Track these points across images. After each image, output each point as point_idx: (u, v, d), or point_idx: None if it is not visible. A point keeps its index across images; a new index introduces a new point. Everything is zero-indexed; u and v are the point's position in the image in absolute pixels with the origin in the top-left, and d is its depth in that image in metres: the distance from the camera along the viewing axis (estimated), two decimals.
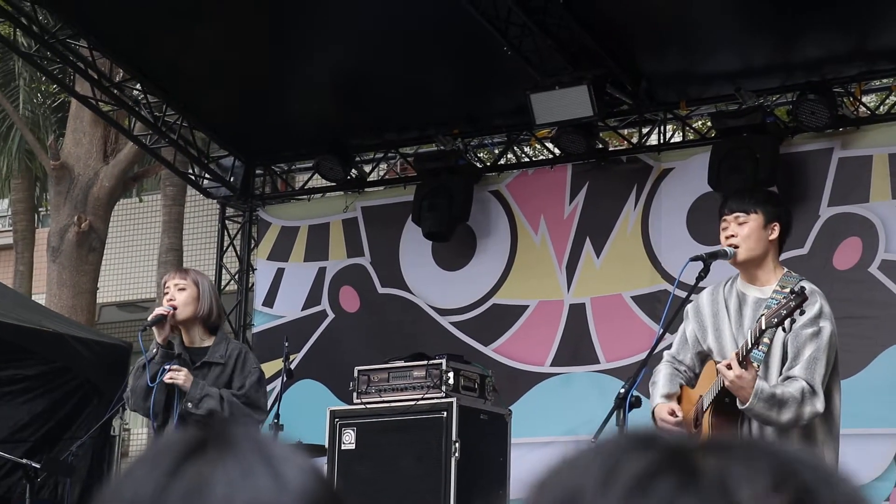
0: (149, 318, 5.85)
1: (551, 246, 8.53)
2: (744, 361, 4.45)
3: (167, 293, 5.87)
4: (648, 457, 0.94)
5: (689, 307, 4.97)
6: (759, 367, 4.58)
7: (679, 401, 4.86)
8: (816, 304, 4.63)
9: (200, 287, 5.87)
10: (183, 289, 5.84)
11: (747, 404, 4.44)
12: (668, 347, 5.08)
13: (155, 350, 5.79)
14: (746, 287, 4.80)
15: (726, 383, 4.46)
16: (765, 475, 0.93)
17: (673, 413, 4.74)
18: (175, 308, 5.80)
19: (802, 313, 4.47)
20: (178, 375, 5.68)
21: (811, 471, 0.94)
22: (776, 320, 4.38)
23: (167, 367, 5.70)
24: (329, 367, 8.83)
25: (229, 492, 1.02)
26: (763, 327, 4.43)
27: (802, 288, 4.44)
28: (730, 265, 4.85)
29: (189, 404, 5.65)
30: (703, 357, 4.87)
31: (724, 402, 4.60)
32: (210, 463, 1.04)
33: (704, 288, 4.99)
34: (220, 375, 5.81)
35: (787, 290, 4.49)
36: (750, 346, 4.48)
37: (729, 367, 4.44)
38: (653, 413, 4.84)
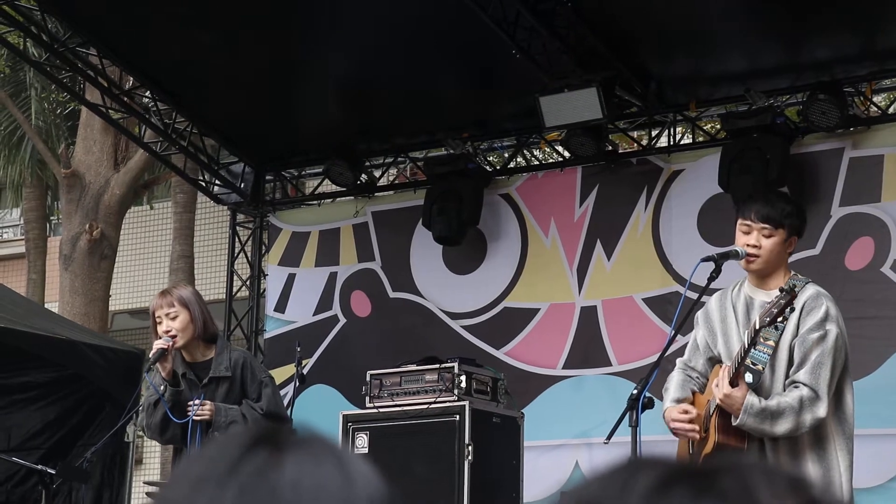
0: (151, 356, 5.81)
1: (562, 249, 8.53)
2: (735, 377, 4.53)
3: (160, 323, 5.81)
4: (665, 468, 0.97)
5: (698, 313, 4.97)
6: (763, 368, 4.59)
7: None
8: (822, 307, 4.64)
9: (190, 307, 5.82)
10: (175, 316, 5.79)
11: (738, 420, 4.54)
12: (681, 354, 5.08)
13: (163, 388, 5.78)
14: (754, 291, 4.80)
15: (717, 401, 4.57)
16: (782, 480, 0.96)
17: (685, 411, 4.75)
18: (174, 339, 5.78)
19: (793, 311, 4.52)
20: (205, 412, 5.71)
21: (818, 487, 0.98)
22: (768, 319, 4.45)
23: (193, 403, 5.72)
24: (341, 372, 8.83)
25: (298, 476, 1.06)
26: (757, 327, 4.49)
27: (793, 286, 4.49)
28: (740, 266, 4.84)
29: (217, 434, 5.64)
30: (715, 362, 4.88)
31: None
32: (281, 447, 1.08)
33: (717, 290, 4.98)
34: (231, 389, 5.81)
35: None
36: (746, 346, 4.52)
37: (718, 385, 4.56)
38: (664, 416, 4.84)
